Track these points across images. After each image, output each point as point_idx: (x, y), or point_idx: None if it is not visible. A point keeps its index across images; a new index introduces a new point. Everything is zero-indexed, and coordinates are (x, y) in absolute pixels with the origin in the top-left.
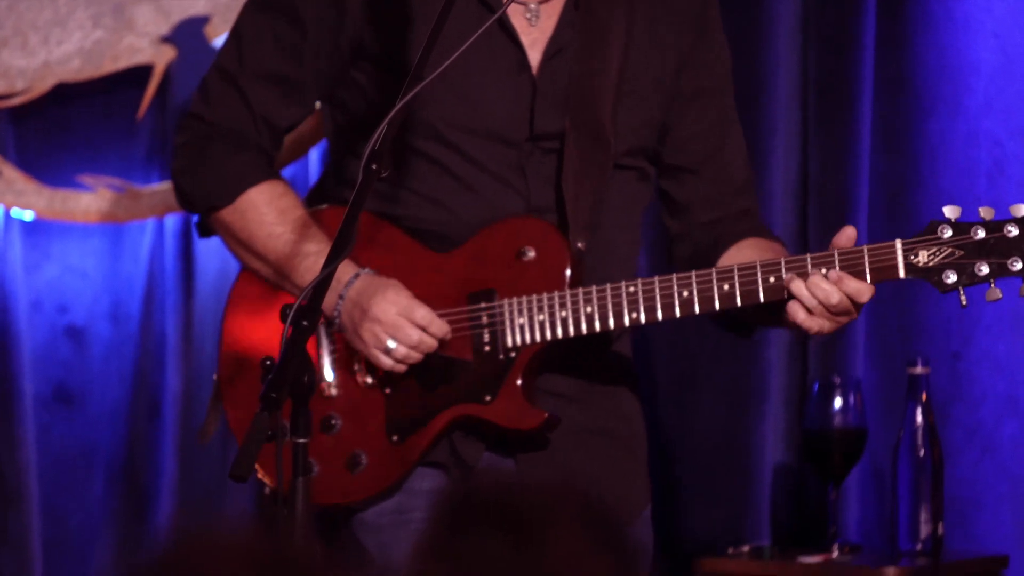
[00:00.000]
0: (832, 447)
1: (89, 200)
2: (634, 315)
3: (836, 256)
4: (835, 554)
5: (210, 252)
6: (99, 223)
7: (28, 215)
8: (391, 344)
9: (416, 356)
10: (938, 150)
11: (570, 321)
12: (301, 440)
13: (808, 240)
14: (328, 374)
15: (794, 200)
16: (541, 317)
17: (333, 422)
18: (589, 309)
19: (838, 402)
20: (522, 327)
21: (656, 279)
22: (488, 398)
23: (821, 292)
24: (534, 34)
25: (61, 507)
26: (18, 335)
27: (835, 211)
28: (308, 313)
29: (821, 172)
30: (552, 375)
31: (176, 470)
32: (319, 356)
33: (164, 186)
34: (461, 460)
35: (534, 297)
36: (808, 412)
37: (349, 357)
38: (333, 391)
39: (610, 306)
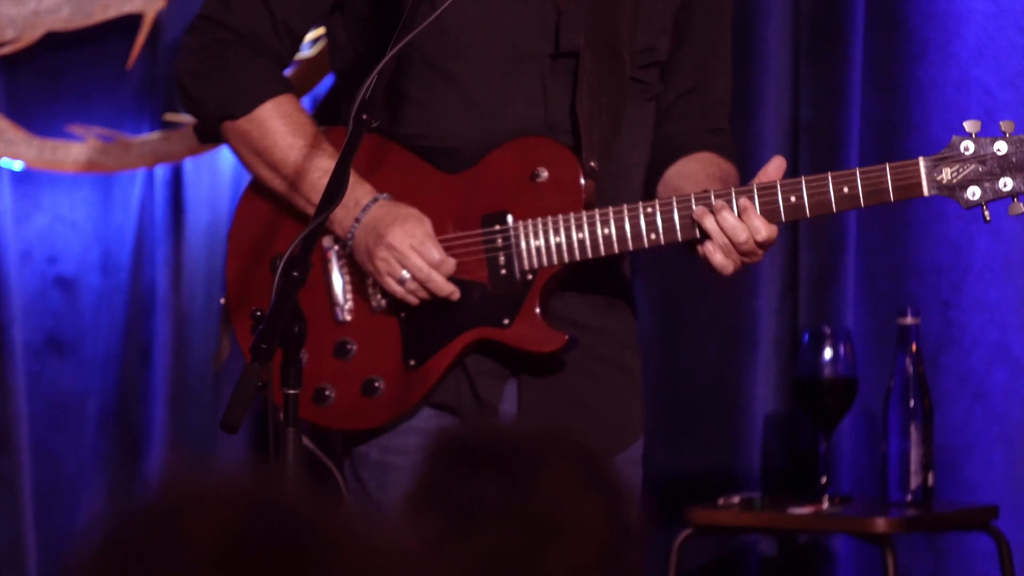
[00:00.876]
0: (823, 397)
1: (79, 150)
2: (652, 236)
3: (829, 178)
4: (825, 504)
5: (200, 202)
6: (89, 173)
7: (18, 165)
8: (404, 274)
9: (424, 293)
10: (929, 96)
11: (587, 243)
12: (291, 391)
13: None
14: (341, 299)
15: (785, 143)
16: (557, 239)
17: (348, 347)
18: (607, 231)
19: (828, 352)
20: (538, 249)
21: (674, 199)
22: (506, 321)
23: (727, 225)
24: None
25: (53, 453)
26: (8, 285)
27: (826, 154)
28: (299, 263)
29: (812, 115)
30: (555, 300)
31: (167, 417)
32: (332, 281)
33: (154, 136)
34: (479, 399)
35: (549, 219)
36: (799, 362)
37: (362, 282)
38: (347, 316)
39: (628, 227)
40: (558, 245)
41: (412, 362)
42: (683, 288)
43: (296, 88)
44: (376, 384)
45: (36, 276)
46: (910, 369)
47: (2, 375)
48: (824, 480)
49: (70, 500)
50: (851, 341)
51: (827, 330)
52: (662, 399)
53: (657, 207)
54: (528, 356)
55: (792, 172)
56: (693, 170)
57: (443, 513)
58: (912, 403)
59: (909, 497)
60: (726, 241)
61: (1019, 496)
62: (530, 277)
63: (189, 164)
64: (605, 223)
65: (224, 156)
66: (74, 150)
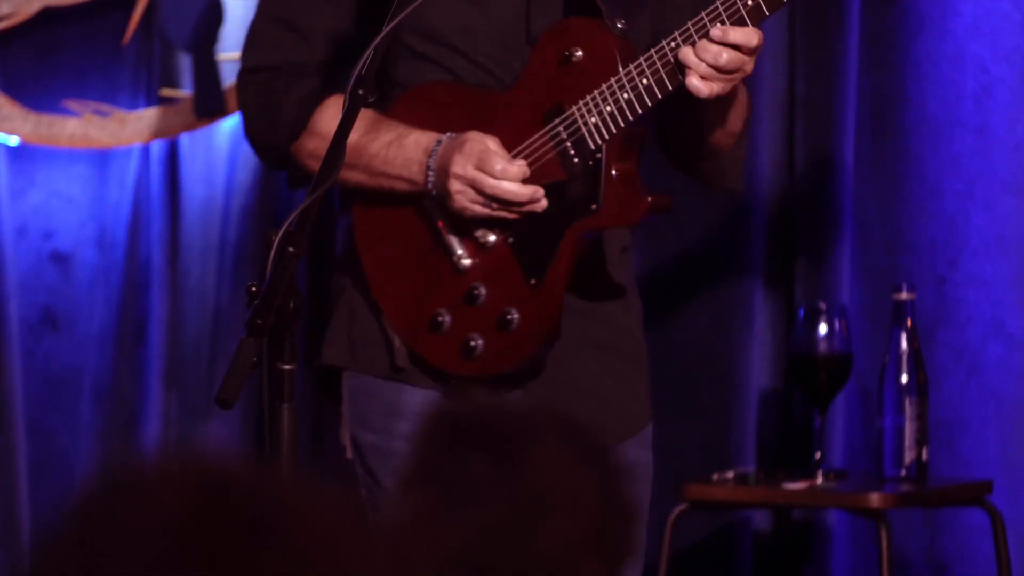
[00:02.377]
0: (817, 373)
1: (75, 125)
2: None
3: (720, 6)
4: (820, 480)
5: (196, 177)
6: (85, 148)
7: (13, 140)
8: (480, 197)
9: (505, 211)
10: (925, 71)
11: (634, 100)
12: (287, 367)
13: (794, 159)
14: (456, 249)
15: (780, 118)
16: (608, 108)
17: (476, 292)
18: (645, 80)
19: (823, 327)
20: (596, 125)
21: (689, 23)
22: (594, 206)
23: (709, 55)
24: None
25: (47, 429)
26: (3, 261)
27: (821, 129)
28: (294, 239)
29: (807, 89)
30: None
31: (162, 393)
32: (441, 237)
33: (150, 111)
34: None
35: (595, 92)
36: (793, 337)
37: (467, 226)
38: (465, 263)
39: (660, 68)
40: (611, 113)
41: (533, 281)
42: (677, 263)
43: None
44: (511, 315)
45: (31, 252)
46: (905, 345)
47: None
48: (819, 455)
49: (65, 476)
50: (846, 317)
51: (822, 305)
52: (656, 374)
53: (678, 36)
54: (593, 345)
55: (788, 147)
56: None
57: (436, 489)
58: (907, 379)
59: (903, 472)
60: (708, 69)
61: (1014, 472)
62: (599, 155)
63: (185, 139)
64: (641, 73)
65: (220, 131)
66: (70, 125)
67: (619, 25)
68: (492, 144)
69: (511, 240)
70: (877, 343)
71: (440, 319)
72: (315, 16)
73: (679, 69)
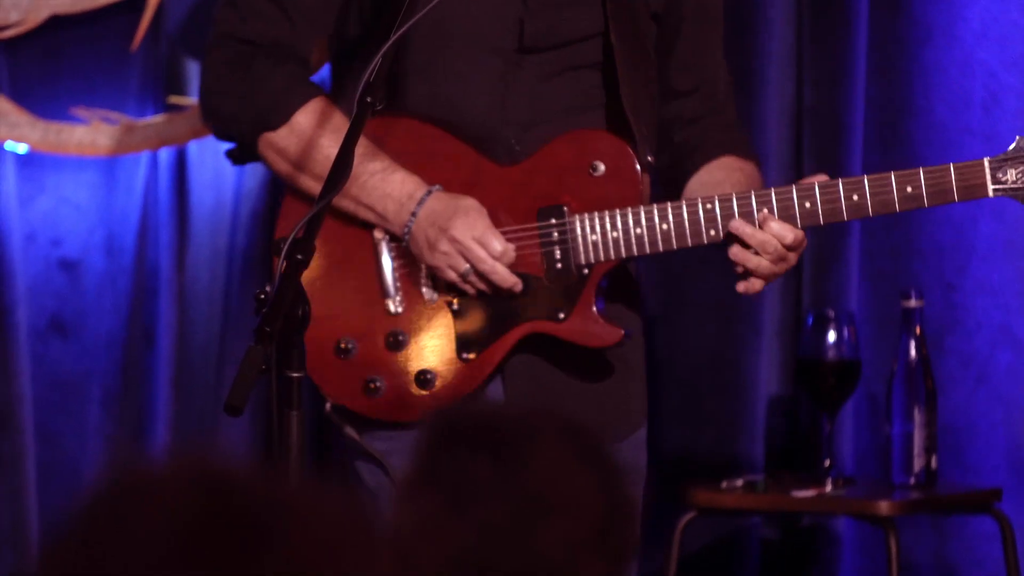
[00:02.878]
0: (826, 379)
1: (83, 133)
2: (712, 232)
3: (892, 178)
4: (829, 487)
5: (204, 185)
6: (93, 156)
7: (22, 148)
8: (466, 267)
9: (483, 285)
10: (933, 78)
11: (646, 238)
12: (295, 374)
13: (802, 167)
14: (392, 290)
15: (788, 126)
16: (615, 234)
17: (400, 338)
18: (665, 226)
19: (832, 334)
20: (595, 243)
21: (734, 195)
22: (562, 315)
23: (769, 243)
24: None
25: (56, 434)
26: (12, 267)
27: (829, 138)
28: (303, 246)
29: (815, 98)
30: None
31: (170, 399)
32: (383, 273)
33: (158, 119)
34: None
35: (606, 213)
36: (802, 344)
37: (414, 273)
38: (399, 307)
39: (687, 222)
40: (615, 240)
41: (466, 355)
42: (685, 268)
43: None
44: (430, 376)
45: (40, 258)
46: (913, 351)
47: (5, 356)
48: (827, 462)
49: (73, 480)
50: (854, 323)
51: (830, 312)
52: (665, 381)
53: (717, 202)
54: (581, 349)
55: (796, 155)
56: (718, 181)
57: (437, 492)
58: (915, 385)
59: (912, 479)
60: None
61: (1022, 478)
62: (586, 271)
63: (193, 147)
64: (664, 218)
65: None
66: (78, 133)
67: (648, 159)
68: (487, 220)
69: (455, 307)
70: (885, 350)
71: (349, 347)
72: (307, 8)
73: (728, 237)
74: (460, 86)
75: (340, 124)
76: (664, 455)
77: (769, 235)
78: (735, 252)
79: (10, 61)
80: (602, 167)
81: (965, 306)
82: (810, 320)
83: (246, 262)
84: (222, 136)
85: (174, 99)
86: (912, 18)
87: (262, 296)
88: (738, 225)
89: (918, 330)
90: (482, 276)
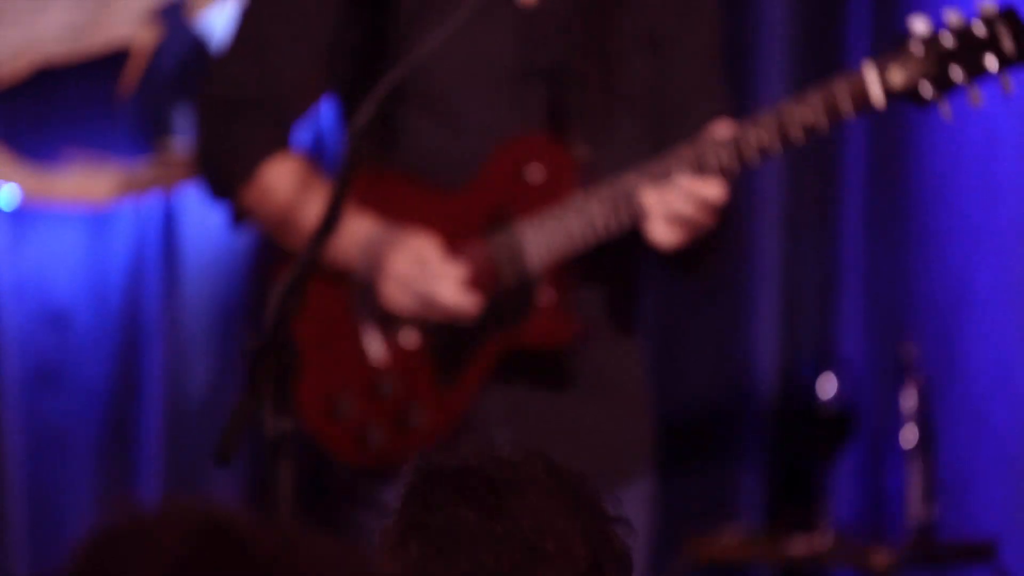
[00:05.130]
0: (823, 428)
1: (73, 179)
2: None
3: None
4: (826, 537)
5: (194, 232)
6: (82, 204)
7: (10, 195)
8: (413, 298)
9: (440, 311)
10: (930, 123)
11: (584, 229)
12: (285, 424)
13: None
14: (372, 341)
15: (785, 169)
16: (556, 231)
17: (383, 385)
18: (599, 213)
19: (829, 382)
20: (540, 246)
21: (651, 163)
22: (522, 323)
23: (674, 202)
24: None
25: (45, 484)
26: (0, 319)
27: (826, 181)
28: (293, 292)
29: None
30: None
31: (159, 450)
32: (361, 326)
33: (149, 165)
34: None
35: (545, 213)
36: (798, 392)
37: (386, 318)
38: (379, 355)
39: (617, 199)
40: (557, 237)
41: (445, 386)
42: (681, 313)
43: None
44: (415, 415)
45: (28, 310)
46: (912, 398)
47: None
48: (825, 512)
49: (61, 533)
50: (851, 371)
51: (827, 358)
52: (660, 427)
53: (640, 174)
54: (549, 355)
55: (791, 195)
56: None
57: (425, 538)
58: (913, 434)
59: (910, 529)
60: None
61: (1021, 529)
62: (537, 274)
63: (182, 196)
64: (597, 204)
65: None
66: (68, 179)
67: (582, 153)
68: (430, 246)
69: (429, 342)
70: (883, 398)
71: (340, 405)
72: (286, 56)
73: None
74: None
75: (308, 177)
76: (659, 503)
77: (686, 193)
78: (657, 232)
79: (0, 107)
80: (537, 170)
81: (963, 354)
82: (808, 368)
83: (235, 312)
84: (212, 196)
85: (164, 146)
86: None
87: (251, 346)
88: (644, 194)
89: (915, 376)
90: (429, 304)
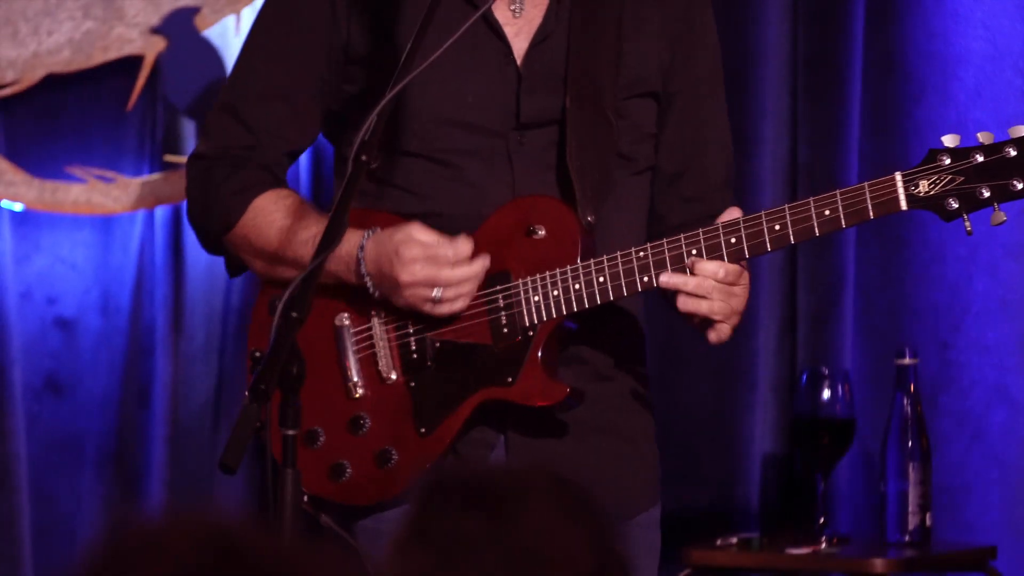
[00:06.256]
0: (820, 437)
1: (79, 191)
2: (645, 278)
3: (839, 196)
4: (823, 545)
5: (199, 243)
6: (89, 215)
7: (18, 207)
8: (436, 294)
9: (465, 290)
10: (927, 137)
11: (584, 294)
12: (290, 432)
13: None
14: (354, 375)
15: (783, 183)
16: (556, 293)
17: (362, 422)
18: (602, 279)
19: (826, 392)
20: (538, 305)
21: (665, 240)
22: (510, 380)
23: (702, 284)
24: (519, 24)
25: (51, 493)
26: (8, 326)
27: (824, 176)
28: (298, 304)
29: (810, 156)
30: (560, 366)
31: (165, 458)
32: (344, 358)
33: (154, 177)
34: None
35: (547, 274)
36: (797, 402)
37: (373, 356)
38: (360, 391)
39: (621, 272)
40: (556, 299)
41: (423, 430)
42: (681, 327)
43: None
44: (391, 454)
45: (36, 317)
46: (908, 410)
47: (1, 416)
48: (822, 520)
49: (68, 541)
50: (849, 381)
51: (825, 370)
52: (659, 439)
53: (648, 250)
54: (535, 411)
55: None
56: None
57: (430, 549)
58: (910, 444)
59: (907, 538)
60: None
61: (1017, 537)
62: (531, 333)
63: None
64: (600, 271)
65: None
66: (74, 191)
67: (588, 219)
68: (423, 233)
69: (412, 384)
70: (880, 408)
71: (317, 436)
72: (263, 110)
73: (669, 295)
74: (464, 171)
75: (292, 203)
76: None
77: (702, 276)
78: (682, 304)
79: (6, 120)
80: (542, 230)
81: (959, 364)
82: (805, 378)
83: (241, 321)
84: (208, 251)
85: (169, 158)
86: (906, 76)
87: (257, 355)
88: (667, 279)
89: (912, 388)
90: (456, 291)
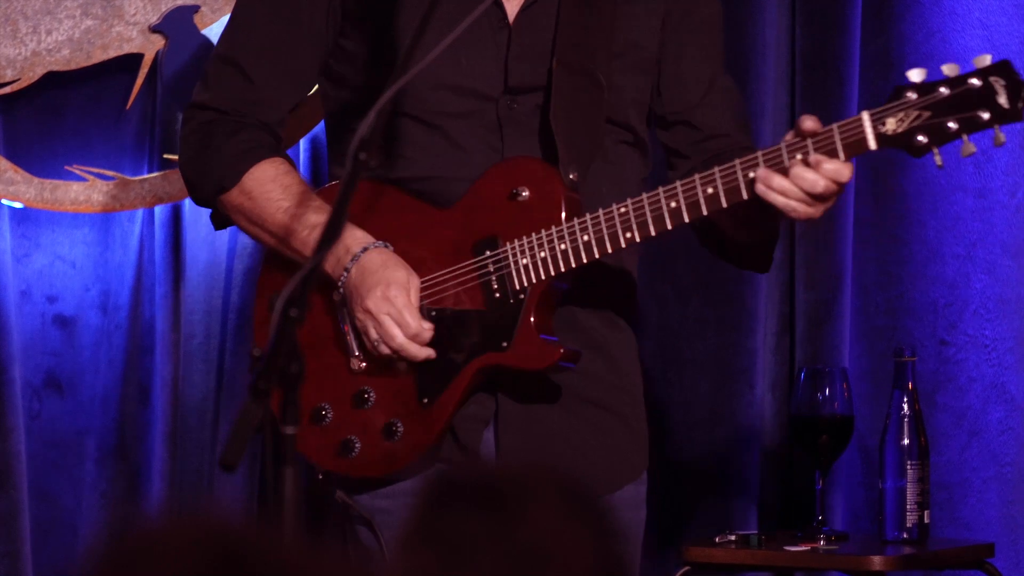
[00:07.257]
0: (819, 435)
1: (79, 190)
2: (628, 235)
3: (809, 142)
4: (821, 543)
5: (200, 242)
6: (88, 213)
7: (17, 205)
8: (375, 337)
9: (393, 356)
10: None
11: (570, 252)
12: (290, 430)
13: (795, 221)
14: (354, 349)
15: None
16: (543, 254)
17: (366, 395)
18: (586, 237)
19: (825, 390)
20: (526, 267)
21: (644, 195)
22: (505, 344)
23: (807, 182)
24: None
25: (51, 490)
26: (7, 324)
27: None
28: (297, 301)
29: None
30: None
31: (166, 455)
32: (344, 331)
33: (154, 176)
34: (461, 445)
35: (533, 236)
36: (795, 399)
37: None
38: (360, 365)
39: (604, 229)
40: (543, 260)
41: (425, 400)
42: (679, 324)
43: (296, 129)
44: (396, 427)
45: (35, 315)
46: (906, 407)
47: (1, 414)
48: (820, 518)
49: (69, 538)
50: (847, 379)
51: (823, 368)
52: (658, 436)
53: (630, 205)
54: (530, 374)
55: None
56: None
57: (433, 549)
58: (908, 441)
59: (905, 535)
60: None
61: (1015, 534)
62: (522, 296)
63: (188, 204)
64: (584, 230)
65: None
66: (74, 190)
67: (571, 176)
68: (414, 291)
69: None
70: (878, 405)
71: (324, 412)
72: (267, 65)
73: (746, 187)
74: (455, 134)
75: (290, 183)
76: (656, 510)
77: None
78: (771, 198)
79: (5, 118)
80: (526, 192)
81: (957, 362)
82: (803, 376)
83: (241, 319)
84: (197, 202)
85: (169, 156)
86: (904, 76)
87: (257, 353)
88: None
89: (911, 386)
90: (393, 352)
